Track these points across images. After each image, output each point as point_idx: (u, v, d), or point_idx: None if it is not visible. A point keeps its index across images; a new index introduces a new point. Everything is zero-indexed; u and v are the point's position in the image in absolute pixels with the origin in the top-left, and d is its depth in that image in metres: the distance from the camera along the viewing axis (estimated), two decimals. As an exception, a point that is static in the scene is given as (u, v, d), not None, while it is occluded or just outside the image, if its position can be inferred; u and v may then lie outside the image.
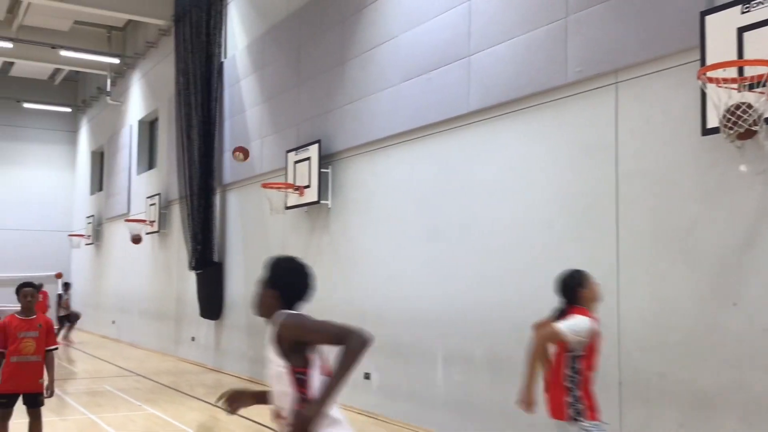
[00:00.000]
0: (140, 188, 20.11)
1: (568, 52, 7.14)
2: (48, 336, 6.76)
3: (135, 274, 20.03)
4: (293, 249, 12.05)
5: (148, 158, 20.85)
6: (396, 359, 9.36)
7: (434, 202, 8.89)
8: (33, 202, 26.90)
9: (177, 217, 16.55)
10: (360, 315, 10.12)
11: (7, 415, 6.65)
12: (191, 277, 15.42)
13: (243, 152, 10.78)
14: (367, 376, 9.89)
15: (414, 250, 9.21)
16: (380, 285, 9.81)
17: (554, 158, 7.26)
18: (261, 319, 10.83)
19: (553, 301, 5.10)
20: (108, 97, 22.36)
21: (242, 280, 13.92)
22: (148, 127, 21.01)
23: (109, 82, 22.17)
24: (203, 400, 10.77)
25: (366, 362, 9.77)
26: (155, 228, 18.05)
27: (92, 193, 25.66)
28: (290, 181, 11.60)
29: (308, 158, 11.21)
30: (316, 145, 11.04)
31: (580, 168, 6.99)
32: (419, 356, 8.94)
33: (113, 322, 21.68)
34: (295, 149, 11.60)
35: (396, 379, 9.35)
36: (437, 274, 8.74)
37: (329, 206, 11.02)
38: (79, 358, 16.97)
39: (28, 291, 6.69)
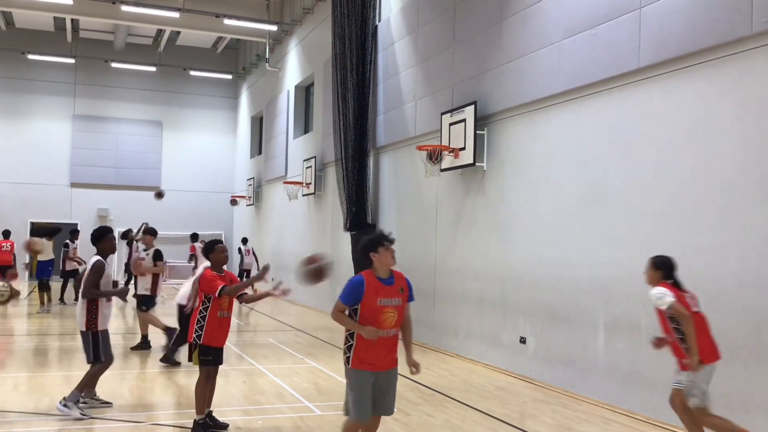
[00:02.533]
0: (297, 151, 20.83)
1: (753, 0, 6.54)
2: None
3: (292, 233, 20.88)
4: (447, 211, 12.06)
5: (304, 122, 21.53)
6: (553, 324, 9.17)
7: (598, 165, 8.53)
8: (198, 164, 28.65)
9: (332, 179, 17.02)
10: (516, 279, 10.00)
11: (213, 374, 6.74)
12: (346, 238, 15.84)
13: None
14: (522, 341, 9.78)
15: (575, 214, 8.91)
16: (537, 249, 9.61)
17: (739, 116, 6.71)
18: (414, 280, 10.89)
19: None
20: (266, 64, 23.22)
21: (397, 241, 14.08)
22: (304, 92, 21.65)
23: (267, 49, 23.00)
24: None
25: (522, 326, 9.71)
26: (311, 190, 18.67)
27: (252, 156, 26.92)
28: (445, 143, 11.55)
29: (464, 120, 11.09)
30: (471, 107, 10.90)
31: None
32: (579, 322, 8.70)
33: (272, 279, 22.75)
34: (450, 111, 11.51)
35: (553, 345, 9.17)
36: (600, 238, 8.42)
37: (485, 168, 10.89)
38: (243, 312, 17.99)
39: (222, 246, 6.82)
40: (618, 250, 8.11)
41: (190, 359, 6.60)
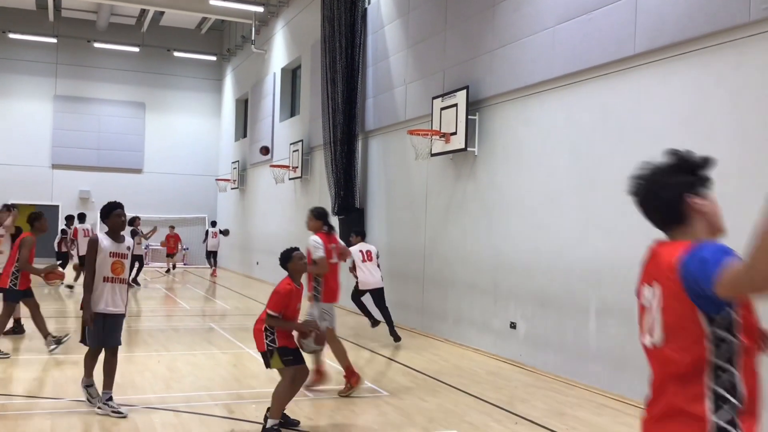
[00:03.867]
0: (283, 135, 20.70)
1: (752, -13, 6.54)
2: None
3: (278, 217, 20.79)
4: (437, 196, 12.04)
5: (291, 105, 21.38)
6: (544, 310, 9.21)
7: (591, 151, 8.54)
8: (182, 147, 28.39)
9: (319, 162, 16.93)
10: (506, 264, 10.03)
11: (299, 375, 6.40)
12: (333, 222, 15.76)
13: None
14: (513, 326, 9.81)
15: (566, 201, 8.93)
16: (528, 235, 9.63)
17: (735, 103, 6.73)
18: (403, 265, 11.05)
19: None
20: (252, 46, 22.99)
21: (384, 226, 14.11)
22: (291, 75, 21.48)
23: (253, 30, 22.77)
24: (349, 341, 11.07)
25: (512, 311, 9.74)
26: (298, 173, 18.57)
27: (237, 139, 26.72)
28: (436, 127, 11.52)
29: (455, 105, 11.05)
30: (463, 92, 10.86)
31: (766, 114, 6.45)
32: (570, 308, 8.74)
33: (257, 263, 22.69)
34: (442, 96, 11.47)
35: (544, 330, 9.22)
36: (593, 224, 8.44)
37: (476, 154, 10.87)
38: (229, 296, 17.92)
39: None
40: (611, 236, 8.14)
41: (268, 366, 6.26)
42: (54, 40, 25.91)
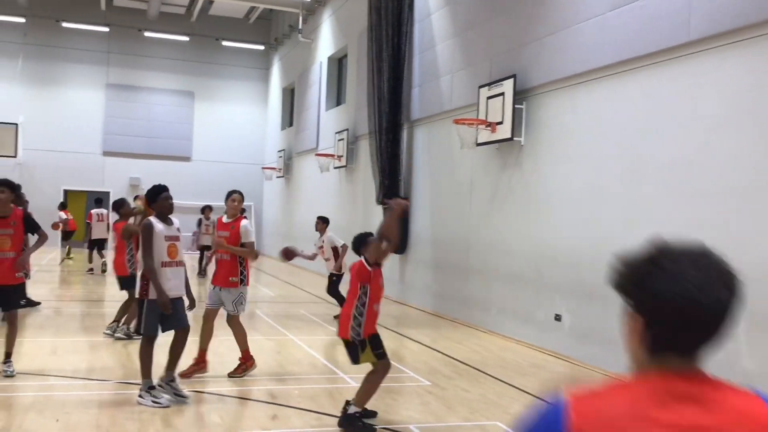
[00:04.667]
0: (329, 124, 20.75)
1: (815, -29, 6.30)
2: None
3: (323, 206, 20.85)
4: (481, 186, 11.94)
5: (337, 94, 21.41)
6: (590, 302, 9.06)
7: (641, 141, 8.35)
8: (229, 135, 28.69)
9: (364, 152, 16.94)
10: (552, 255, 9.89)
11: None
12: (377, 211, 15.78)
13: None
14: (557, 318, 9.69)
15: (614, 192, 8.75)
16: (575, 226, 9.47)
17: (794, 92, 6.49)
18: (447, 255, 10.94)
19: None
20: (299, 35, 23.07)
21: (428, 215, 14.06)
22: (337, 64, 21.51)
23: (300, 19, 22.84)
24: (391, 330, 11.08)
25: (557, 303, 9.60)
26: (343, 162, 18.61)
27: (283, 128, 26.90)
28: (482, 117, 11.40)
29: (502, 93, 10.92)
30: (510, 80, 10.72)
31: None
32: (615, 300, 8.48)
33: (302, 251, 22.81)
34: (488, 84, 11.34)
35: (589, 323, 9.07)
36: (641, 216, 8.26)
37: (522, 143, 10.73)
38: (273, 283, 18.09)
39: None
40: (660, 227, 7.94)
41: (356, 362, 6.12)
42: (106, 29, 26.42)
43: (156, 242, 6.53)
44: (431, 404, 6.90)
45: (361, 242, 6.31)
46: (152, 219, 6.70)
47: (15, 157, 24.12)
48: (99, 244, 18.08)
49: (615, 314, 7.61)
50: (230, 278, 7.63)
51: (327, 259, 12.44)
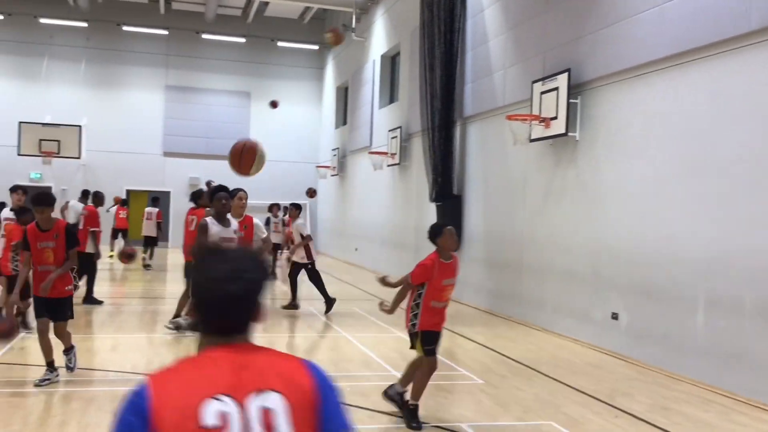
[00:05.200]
0: (382, 122, 20.79)
1: None
2: None
3: (376, 204, 20.94)
4: (535, 183, 11.77)
5: (390, 92, 21.43)
6: (648, 300, 8.85)
7: (701, 136, 8.10)
8: (284, 135, 29.00)
9: (417, 149, 16.90)
10: (608, 253, 9.70)
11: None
12: (431, 209, 15.74)
13: (335, 34, 10.20)
14: (614, 316, 9.49)
15: (673, 187, 8.52)
16: (633, 222, 9.26)
17: None
18: (501, 253, 10.82)
19: None
20: (352, 34, 23.16)
21: (482, 213, 13.94)
22: (390, 62, 21.52)
23: (354, 18, 22.92)
24: (445, 328, 11.02)
25: (614, 301, 9.40)
26: (396, 160, 18.61)
27: (337, 126, 27.06)
28: (535, 112, 11.24)
29: (556, 88, 10.75)
30: (564, 74, 10.54)
31: None
32: (675, 299, 8.36)
33: (356, 249, 22.96)
34: (542, 79, 11.18)
35: (647, 322, 8.86)
36: (702, 212, 8.02)
37: (577, 139, 10.54)
38: (327, 281, 18.20)
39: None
40: (721, 224, 7.72)
41: (412, 347, 6.25)
42: (165, 32, 27.01)
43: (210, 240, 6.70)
44: (484, 403, 6.84)
45: (436, 232, 6.26)
46: (209, 219, 6.83)
47: (79, 158, 24.85)
48: (149, 242, 18.75)
49: (675, 313, 7.47)
50: None
51: (292, 247, 12.27)
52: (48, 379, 6.85)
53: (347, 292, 15.81)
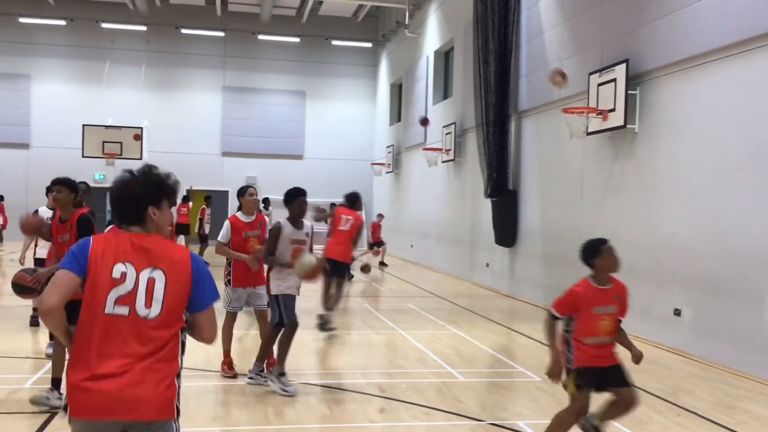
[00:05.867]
0: (436, 117, 20.70)
1: None
2: None
3: (431, 200, 20.88)
4: (593, 176, 11.55)
5: (444, 88, 21.33)
6: (712, 296, 8.59)
7: (765, 126, 7.81)
8: (340, 133, 29.21)
9: (472, 145, 16.79)
10: (670, 247, 9.45)
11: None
12: (486, 205, 15.62)
13: (561, 76, 10.19)
14: (677, 312, 9.24)
15: (737, 178, 8.25)
16: (695, 216, 9.00)
17: None
18: (558, 248, 10.54)
19: None
20: (406, 30, 23.14)
21: (538, 208, 13.76)
22: (444, 58, 21.43)
23: (407, 15, 22.90)
24: (501, 324, 10.94)
25: (676, 297, 9.14)
26: (450, 156, 18.52)
27: (391, 123, 27.08)
28: (592, 104, 11.03)
29: (613, 80, 10.52)
30: (622, 65, 10.30)
31: None
32: (741, 294, 8.09)
33: (411, 246, 22.95)
34: (599, 71, 10.95)
35: (712, 318, 8.60)
36: (766, 205, 7.74)
37: (636, 131, 10.30)
38: (383, 278, 18.26)
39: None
40: (789, 217, 7.43)
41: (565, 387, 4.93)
42: (222, 34, 27.49)
43: (281, 243, 6.76)
44: (541, 401, 6.74)
45: (592, 251, 5.07)
46: (283, 221, 6.83)
47: (141, 159, 25.48)
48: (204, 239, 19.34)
49: (741, 309, 7.23)
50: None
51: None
52: (47, 398, 5.92)
53: (403, 288, 15.81)
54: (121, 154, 24.45)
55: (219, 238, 7.36)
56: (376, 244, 20.80)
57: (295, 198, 6.88)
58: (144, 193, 2.98)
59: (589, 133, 11.17)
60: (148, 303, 2.83)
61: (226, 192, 27.38)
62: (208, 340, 3.03)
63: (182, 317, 2.95)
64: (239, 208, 7.57)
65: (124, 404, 2.73)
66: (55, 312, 2.78)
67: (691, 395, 7.02)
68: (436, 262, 20.15)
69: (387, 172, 26.13)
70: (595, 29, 11.52)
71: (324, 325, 9.71)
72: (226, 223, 7.42)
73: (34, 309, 6.16)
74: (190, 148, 27.85)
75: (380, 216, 21.44)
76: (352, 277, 10.90)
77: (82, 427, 2.77)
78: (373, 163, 28.14)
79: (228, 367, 7.30)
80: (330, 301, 10.15)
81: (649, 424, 6.06)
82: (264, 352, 6.95)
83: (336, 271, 10.05)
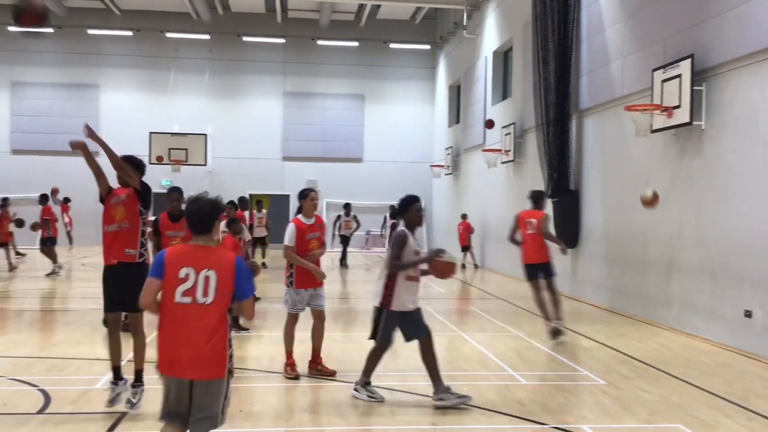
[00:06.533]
0: (495, 118, 20.54)
1: None
2: None
3: (491, 201, 20.72)
4: (658, 175, 11.29)
5: (503, 88, 21.16)
6: (786, 298, 8.27)
7: (843, 117, 7.49)
8: (398, 136, 29.29)
9: (532, 145, 16.60)
10: (740, 247, 9.16)
11: None
12: (547, 205, 15.39)
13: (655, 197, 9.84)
14: (748, 314, 8.94)
15: (812, 175, 7.93)
16: (765, 214, 8.69)
17: None
18: (622, 249, 10.28)
19: None
20: (464, 31, 23.04)
21: (600, 208, 13.51)
22: (502, 58, 21.25)
23: (465, 15, 22.81)
24: (568, 329, 10.78)
25: (747, 299, 8.85)
26: (510, 157, 18.35)
27: (450, 125, 27.00)
28: (656, 101, 10.77)
29: (678, 76, 10.25)
30: (687, 61, 10.04)
31: None
32: (817, 296, 7.76)
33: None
34: (663, 67, 10.70)
35: (785, 321, 8.28)
36: None
37: (702, 128, 10.01)
38: (444, 280, 18.20)
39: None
40: None
41: None
42: (282, 41, 27.91)
43: (406, 252, 6.47)
44: (606, 405, 6.61)
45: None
46: (405, 229, 6.58)
47: (205, 165, 26.08)
48: (258, 241, 19.58)
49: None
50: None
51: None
52: (117, 393, 6.05)
53: (464, 290, 15.73)
54: (186, 161, 25.07)
55: (286, 242, 7.39)
56: (465, 248, 20.67)
57: (411, 205, 6.66)
58: (210, 214, 4.16)
59: (653, 131, 10.92)
60: (205, 293, 3.94)
61: (287, 196, 27.77)
62: (249, 318, 4.26)
63: (229, 303, 4.01)
64: (299, 211, 7.64)
65: (190, 364, 3.93)
66: (151, 307, 4.03)
67: (763, 399, 6.78)
68: (497, 263, 19.98)
69: (446, 174, 26.06)
70: (658, 24, 11.25)
71: (556, 334, 9.50)
72: (291, 226, 7.47)
73: (125, 317, 6.38)
74: (252, 153, 28.38)
75: (464, 217, 21.38)
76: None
77: (167, 380, 4.01)
78: (431, 165, 28.11)
79: (291, 369, 7.38)
80: (546, 307, 9.85)
81: (718, 429, 5.89)
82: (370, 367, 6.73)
83: (543, 274, 9.90)
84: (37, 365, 5.82)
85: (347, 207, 21.24)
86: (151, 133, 25.05)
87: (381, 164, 28.97)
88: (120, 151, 6.09)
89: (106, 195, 6.18)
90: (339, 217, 21.39)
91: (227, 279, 3.96)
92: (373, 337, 6.65)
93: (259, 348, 9.11)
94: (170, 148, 25.00)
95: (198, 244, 4.06)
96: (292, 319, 7.55)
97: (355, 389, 6.66)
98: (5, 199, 19.59)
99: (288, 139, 28.82)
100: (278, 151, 28.83)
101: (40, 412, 5.95)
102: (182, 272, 3.93)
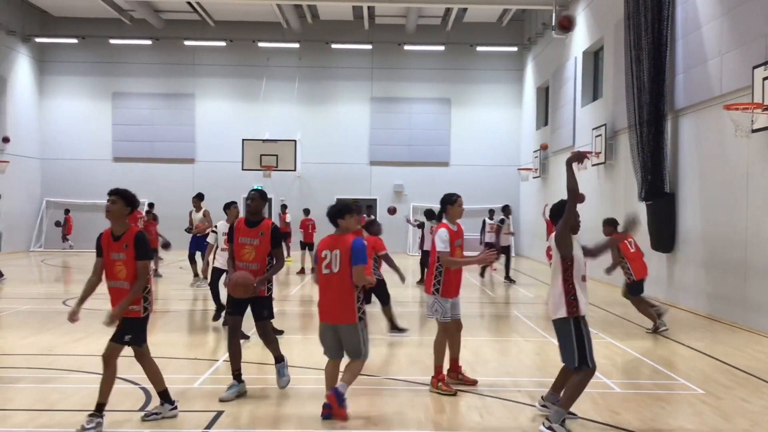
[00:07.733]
0: (585, 120, 20.13)
1: None
2: None
3: (581, 205, 20.22)
4: (759, 176, 10.80)
5: (593, 89, 20.70)
6: None
7: None
8: (485, 139, 29.09)
9: (624, 146, 16.17)
10: None
11: None
12: (640, 209, 14.95)
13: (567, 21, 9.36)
14: None
15: None
16: None
17: None
18: (721, 253, 9.92)
19: None
20: (553, 32, 22.64)
21: (698, 211, 13.02)
22: (593, 58, 20.80)
23: (554, 16, 22.40)
24: (660, 334, 10.44)
25: None
26: (601, 159, 17.93)
27: (538, 128, 26.61)
28: (758, 100, 10.32)
29: (782, 72, 9.80)
30: (792, 56, 9.58)
31: None
32: None
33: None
34: (764, 64, 10.25)
35: None
36: None
37: (809, 126, 9.52)
38: (531, 283, 17.96)
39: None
40: None
41: None
42: (369, 47, 28.22)
43: (578, 258, 6.16)
44: (705, 414, 6.38)
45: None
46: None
47: (295, 170, 26.64)
48: (305, 246, 20.15)
49: None
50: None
51: (224, 249, 10.33)
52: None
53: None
54: (277, 166, 25.68)
55: (443, 249, 6.98)
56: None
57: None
58: (335, 212, 6.23)
59: (754, 131, 10.46)
60: (335, 265, 5.99)
61: (374, 200, 28.01)
62: (359, 282, 5.94)
63: (351, 271, 5.92)
64: (440, 217, 7.34)
65: (331, 314, 6.05)
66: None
67: None
68: (589, 268, 19.50)
69: (534, 177, 25.69)
70: (758, 20, 10.77)
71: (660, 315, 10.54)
72: (444, 232, 7.08)
73: (222, 308, 6.84)
74: (340, 158, 28.79)
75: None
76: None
77: (322, 326, 6.12)
78: (519, 169, 27.78)
79: (444, 384, 6.99)
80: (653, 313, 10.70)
81: (829, 445, 5.57)
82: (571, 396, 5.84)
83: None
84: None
85: (506, 209, 18.95)
86: (243, 140, 25.79)
87: (468, 168, 28.84)
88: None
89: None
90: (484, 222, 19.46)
91: (347, 254, 5.93)
92: (579, 364, 5.72)
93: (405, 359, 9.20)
94: (262, 155, 25.66)
95: (334, 234, 6.13)
96: (446, 329, 7.18)
97: (550, 428, 5.60)
98: (151, 205, 19.79)
99: (375, 144, 29.09)
100: (365, 156, 29.14)
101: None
102: (323, 253, 6.03)
